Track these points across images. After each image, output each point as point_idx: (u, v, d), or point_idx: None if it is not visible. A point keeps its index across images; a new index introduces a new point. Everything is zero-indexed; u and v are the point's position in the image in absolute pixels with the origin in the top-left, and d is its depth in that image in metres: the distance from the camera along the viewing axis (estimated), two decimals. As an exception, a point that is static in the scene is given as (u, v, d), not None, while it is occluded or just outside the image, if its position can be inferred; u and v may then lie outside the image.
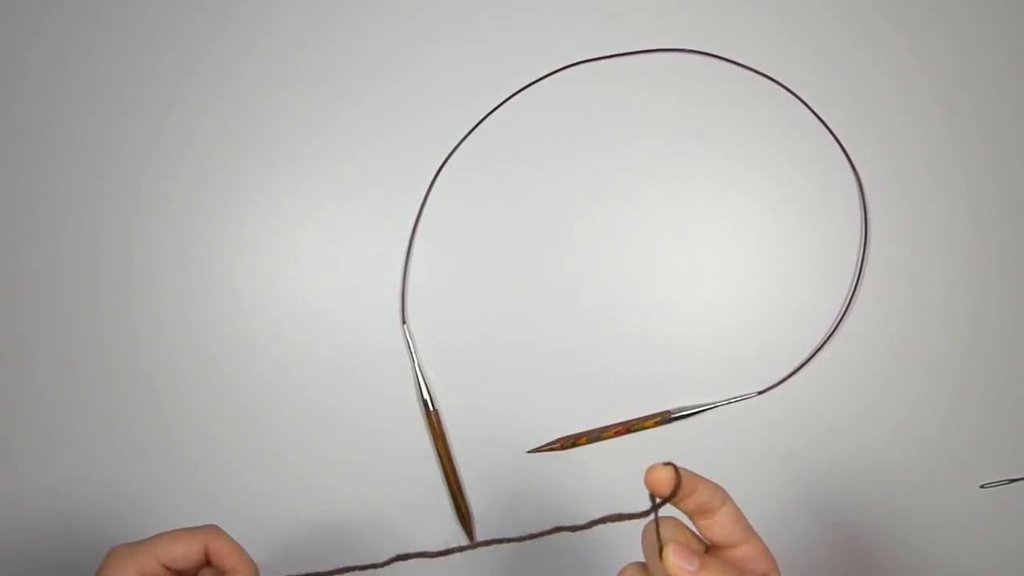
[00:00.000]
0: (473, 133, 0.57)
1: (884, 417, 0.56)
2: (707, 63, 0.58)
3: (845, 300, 0.56)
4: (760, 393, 0.55)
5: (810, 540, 0.55)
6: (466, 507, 0.54)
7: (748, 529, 0.35)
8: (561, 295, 0.56)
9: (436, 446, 0.54)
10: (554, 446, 0.54)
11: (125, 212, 0.56)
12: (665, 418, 0.54)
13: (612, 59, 0.58)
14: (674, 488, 0.32)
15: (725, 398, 0.55)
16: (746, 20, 0.58)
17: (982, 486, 0.55)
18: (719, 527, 0.34)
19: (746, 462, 0.55)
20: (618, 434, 0.54)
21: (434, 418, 0.54)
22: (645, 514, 0.34)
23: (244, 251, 0.56)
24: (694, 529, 0.35)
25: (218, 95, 0.57)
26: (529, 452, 0.54)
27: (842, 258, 0.57)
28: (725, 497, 0.34)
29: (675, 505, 0.33)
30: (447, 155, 0.57)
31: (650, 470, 0.33)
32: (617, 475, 0.55)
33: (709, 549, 0.35)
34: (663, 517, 0.33)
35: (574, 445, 0.54)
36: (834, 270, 0.57)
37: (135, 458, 0.54)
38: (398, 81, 0.57)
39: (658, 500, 0.33)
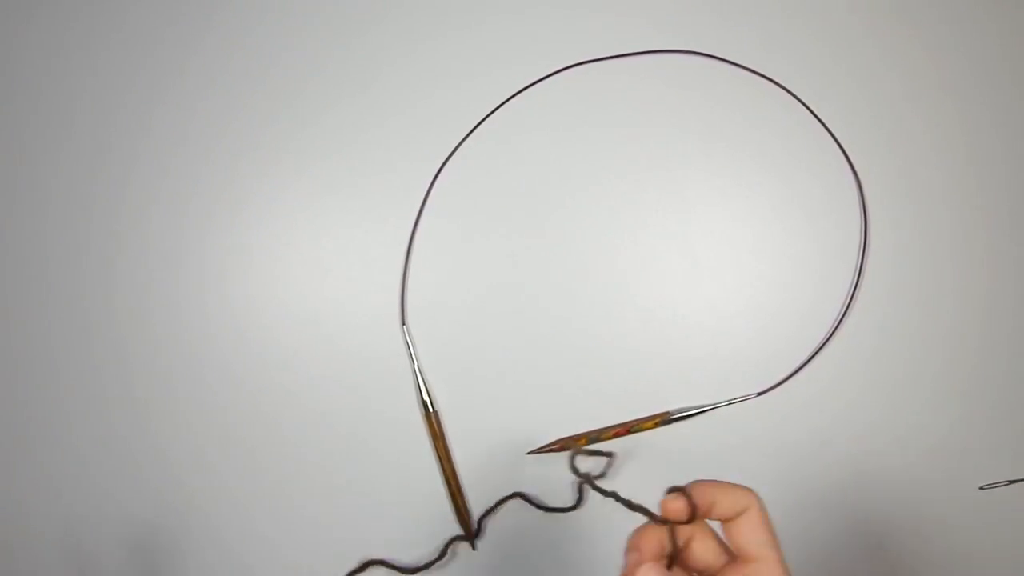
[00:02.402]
0: (473, 134, 0.57)
1: (883, 418, 0.56)
2: (707, 64, 0.58)
3: (845, 301, 0.56)
4: (760, 394, 0.55)
5: (809, 541, 0.55)
6: (466, 508, 0.54)
7: (765, 546, 0.33)
8: (561, 296, 0.56)
9: (436, 447, 0.54)
10: (553, 447, 0.54)
11: (113, 213, 0.56)
12: (665, 419, 0.54)
13: (612, 60, 0.58)
14: (689, 516, 0.32)
15: (725, 399, 0.55)
16: (746, 22, 0.58)
17: (982, 487, 0.55)
18: (735, 533, 0.33)
19: (745, 463, 0.55)
20: (617, 435, 0.54)
21: (434, 419, 0.54)
22: (661, 521, 0.33)
23: (239, 252, 0.56)
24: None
25: (210, 91, 0.57)
26: (529, 453, 0.54)
27: (842, 259, 0.57)
28: (748, 505, 0.33)
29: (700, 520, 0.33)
30: (447, 155, 0.57)
31: (664, 503, 0.32)
32: (617, 475, 0.55)
33: (734, 557, 0.34)
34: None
35: (574, 446, 0.54)
36: (834, 271, 0.57)
37: (124, 464, 0.54)
38: (397, 81, 0.57)
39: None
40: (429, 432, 0.54)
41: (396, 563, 0.53)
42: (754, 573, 0.33)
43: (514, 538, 0.54)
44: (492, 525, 0.54)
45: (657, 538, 0.33)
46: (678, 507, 0.32)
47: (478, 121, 0.57)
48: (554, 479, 0.54)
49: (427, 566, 0.52)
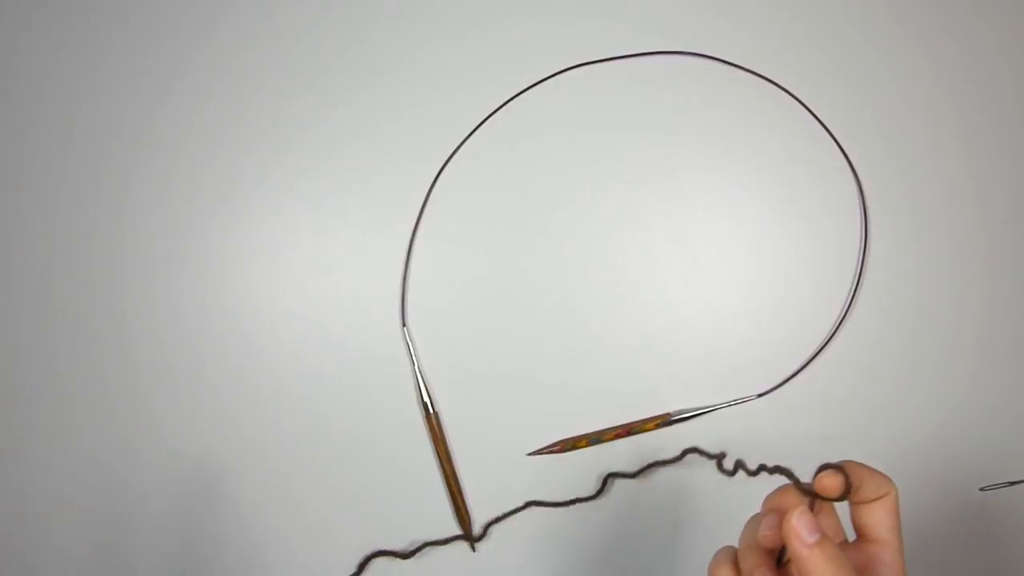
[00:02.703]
0: (474, 135, 0.57)
1: (884, 419, 0.56)
2: (707, 66, 0.58)
3: (845, 302, 0.56)
4: (760, 395, 0.55)
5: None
6: (466, 509, 0.54)
7: (893, 532, 0.35)
8: (561, 297, 0.56)
9: (436, 449, 0.54)
10: (554, 449, 0.54)
11: (117, 213, 0.56)
12: (665, 420, 0.54)
13: (613, 61, 0.58)
14: (842, 493, 0.33)
15: (725, 400, 0.55)
16: (746, 23, 0.58)
17: (982, 489, 0.55)
18: (867, 514, 0.35)
19: (746, 464, 0.55)
20: (618, 436, 0.54)
21: (434, 421, 0.54)
22: (809, 493, 0.33)
23: (240, 253, 0.56)
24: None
25: (212, 92, 0.57)
26: (529, 455, 0.54)
27: (842, 260, 0.57)
28: (887, 492, 0.34)
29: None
30: (448, 157, 0.57)
31: (820, 478, 0.33)
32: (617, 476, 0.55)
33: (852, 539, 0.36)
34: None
35: (574, 447, 0.54)
36: (834, 272, 0.57)
37: (128, 463, 0.54)
38: (398, 82, 0.57)
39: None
40: (429, 433, 0.54)
41: (396, 550, 0.53)
42: (879, 554, 0.35)
43: (514, 534, 0.54)
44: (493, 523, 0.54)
45: (796, 503, 0.34)
46: (834, 484, 0.33)
47: (478, 123, 0.57)
48: (554, 480, 0.54)
49: (422, 547, 0.53)
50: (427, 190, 0.56)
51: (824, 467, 0.33)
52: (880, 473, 0.35)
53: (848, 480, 0.33)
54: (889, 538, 0.34)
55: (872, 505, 0.35)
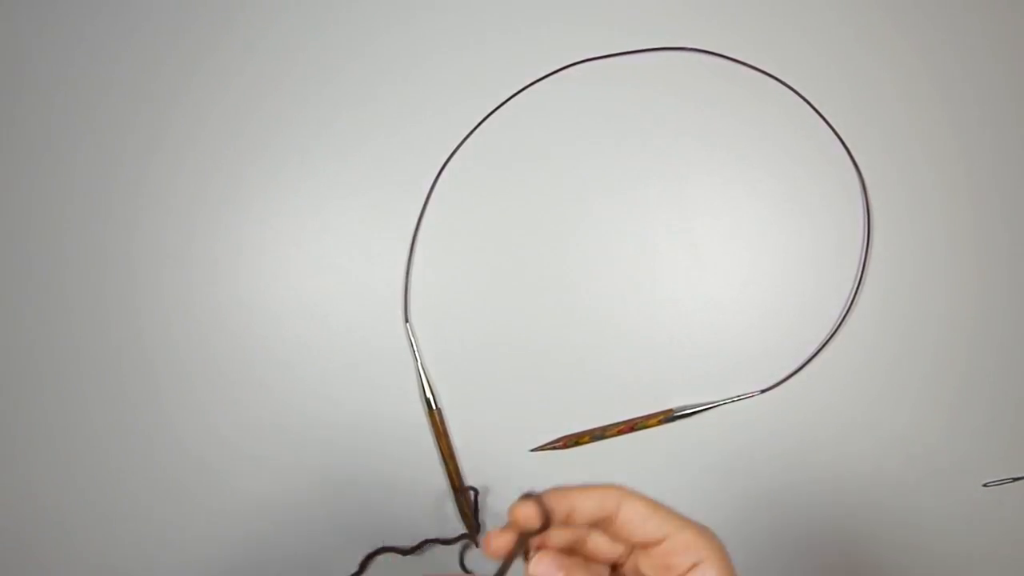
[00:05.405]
0: (476, 132, 0.57)
1: (887, 415, 0.56)
2: (710, 62, 0.58)
3: (848, 299, 0.56)
4: (763, 392, 0.55)
5: (812, 538, 0.55)
6: (469, 505, 0.54)
7: (667, 522, 0.31)
8: (564, 293, 0.56)
9: (439, 444, 0.54)
10: (557, 445, 0.54)
11: (128, 211, 0.56)
12: (668, 416, 0.54)
13: (614, 58, 0.58)
14: (544, 522, 0.30)
15: (728, 396, 0.55)
16: (749, 19, 0.58)
17: (985, 485, 0.55)
18: (626, 530, 0.32)
19: (748, 461, 0.55)
20: (621, 433, 0.54)
21: (437, 417, 0.54)
22: (522, 553, 0.31)
23: (247, 250, 0.56)
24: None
25: (220, 94, 0.57)
26: (532, 451, 0.54)
27: (845, 256, 0.57)
28: (621, 498, 0.31)
29: (563, 528, 0.31)
30: (450, 154, 0.57)
31: (513, 508, 0.30)
32: (620, 474, 0.55)
33: (636, 547, 0.33)
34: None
35: (577, 444, 0.54)
36: (837, 269, 0.57)
37: (137, 458, 0.54)
38: (400, 80, 0.57)
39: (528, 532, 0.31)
40: (432, 429, 0.54)
41: (399, 547, 0.53)
42: (669, 548, 0.31)
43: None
44: (493, 519, 0.54)
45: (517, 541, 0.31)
46: (530, 514, 0.30)
47: (480, 119, 0.57)
48: (557, 477, 0.54)
49: (423, 544, 0.53)
50: (429, 187, 0.56)
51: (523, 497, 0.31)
52: (602, 488, 0.31)
53: (544, 508, 0.30)
54: (668, 528, 0.31)
55: (619, 523, 0.31)
